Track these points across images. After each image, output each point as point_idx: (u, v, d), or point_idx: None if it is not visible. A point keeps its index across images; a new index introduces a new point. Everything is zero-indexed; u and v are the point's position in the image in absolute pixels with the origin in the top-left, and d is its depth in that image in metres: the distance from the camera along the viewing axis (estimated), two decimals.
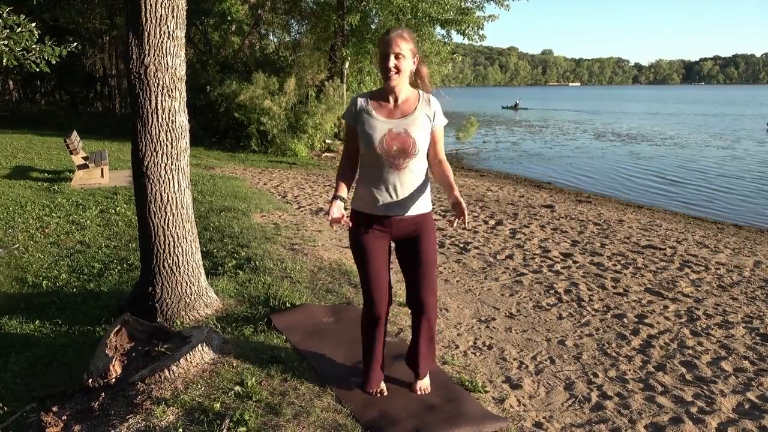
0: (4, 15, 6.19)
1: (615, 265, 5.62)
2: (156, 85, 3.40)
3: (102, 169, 9.14)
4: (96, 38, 23.51)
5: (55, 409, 2.62)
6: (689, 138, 25.58)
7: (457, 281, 4.97)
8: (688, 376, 3.30)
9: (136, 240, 5.35)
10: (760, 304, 4.58)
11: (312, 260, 5.07)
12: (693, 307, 4.45)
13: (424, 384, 2.86)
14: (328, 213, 2.50)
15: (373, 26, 16.23)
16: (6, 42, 6.21)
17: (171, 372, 2.80)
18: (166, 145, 3.50)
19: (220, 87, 15.23)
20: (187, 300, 3.69)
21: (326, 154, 16.30)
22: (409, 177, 2.55)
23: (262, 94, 14.89)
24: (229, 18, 19.58)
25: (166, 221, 3.57)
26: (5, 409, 2.73)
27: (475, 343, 3.68)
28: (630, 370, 3.35)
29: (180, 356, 2.84)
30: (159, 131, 3.46)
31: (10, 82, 26.48)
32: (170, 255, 3.62)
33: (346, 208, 2.56)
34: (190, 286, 3.71)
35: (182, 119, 3.58)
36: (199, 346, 2.93)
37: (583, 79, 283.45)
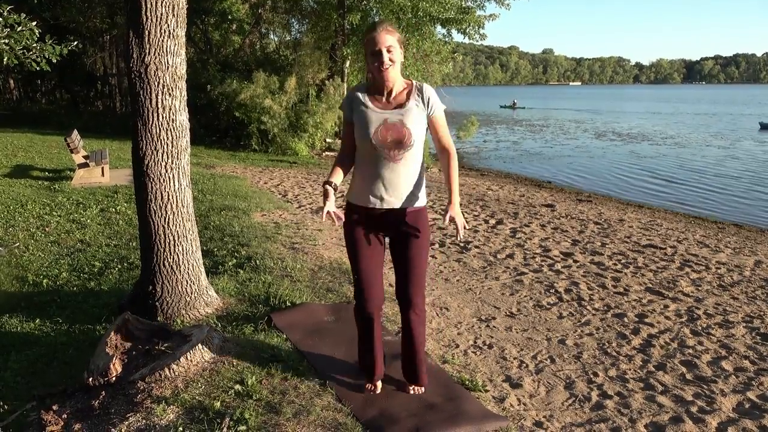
0: (5, 14, 6.20)
1: (615, 264, 5.62)
2: (156, 83, 3.40)
3: (102, 168, 9.14)
4: (96, 37, 23.50)
5: (55, 407, 2.62)
6: (690, 137, 25.58)
7: (458, 280, 4.97)
8: (689, 376, 3.30)
9: (136, 239, 5.35)
10: (761, 303, 4.57)
11: (312, 259, 5.08)
12: (693, 307, 4.45)
13: (418, 387, 2.85)
14: (322, 209, 2.52)
15: None
16: (7, 41, 6.22)
17: (171, 371, 2.80)
18: (167, 144, 3.50)
19: (221, 86, 15.22)
20: (188, 299, 3.69)
21: (327, 153, 16.30)
22: (405, 170, 2.54)
23: (263, 93, 14.89)
24: (229, 17, 19.59)
25: (167, 220, 3.57)
26: (5, 407, 2.73)
27: (475, 342, 3.68)
28: (630, 370, 3.35)
29: (180, 355, 2.85)
30: (159, 130, 3.46)
31: (11, 81, 26.49)
32: (170, 254, 3.62)
33: (340, 202, 2.58)
34: (190, 285, 3.71)
35: (183, 118, 3.58)
36: (200, 344, 2.93)
37: (583, 78, 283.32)
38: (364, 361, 2.85)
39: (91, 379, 2.76)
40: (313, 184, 10.47)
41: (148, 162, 3.48)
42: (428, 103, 2.55)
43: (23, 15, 6.38)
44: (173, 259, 3.63)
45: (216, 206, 7.27)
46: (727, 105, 60.53)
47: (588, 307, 4.38)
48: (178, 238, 3.63)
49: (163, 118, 3.46)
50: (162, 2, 3.33)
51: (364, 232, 2.62)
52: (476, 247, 6.13)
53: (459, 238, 2.54)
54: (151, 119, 3.43)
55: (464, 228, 2.53)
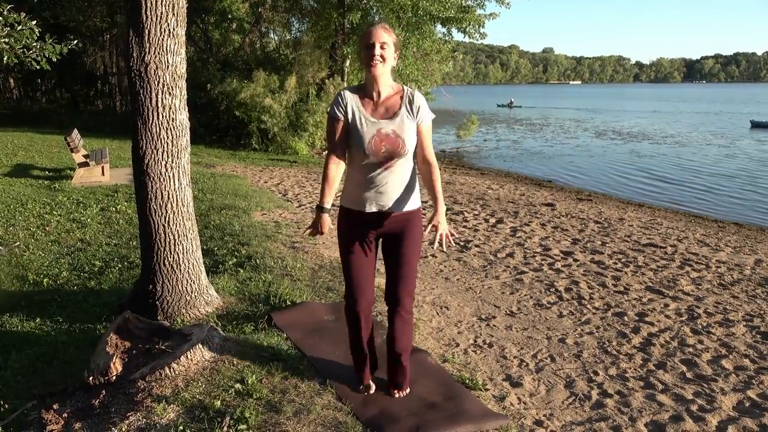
0: (5, 13, 6.20)
1: (616, 263, 5.62)
2: (156, 82, 3.40)
3: (103, 167, 9.15)
4: (96, 36, 23.50)
5: (55, 406, 2.62)
6: (690, 136, 25.57)
7: (458, 279, 4.97)
8: (689, 374, 3.30)
9: (136, 238, 5.35)
10: (761, 302, 4.57)
11: (312, 258, 5.08)
12: (693, 306, 4.45)
13: (400, 391, 2.81)
14: (313, 226, 2.62)
15: None
16: (7, 40, 6.22)
17: (171, 370, 2.80)
18: (167, 143, 3.50)
19: (221, 85, 15.22)
20: (188, 298, 3.70)
21: (327, 152, 16.29)
22: (398, 176, 2.54)
23: (263, 92, 14.89)
24: (229, 16, 19.55)
25: (167, 219, 3.58)
26: (6, 406, 2.74)
27: (475, 341, 3.68)
28: (630, 368, 3.35)
29: (180, 354, 2.85)
30: (159, 129, 3.46)
31: (11, 80, 26.47)
32: (171, 253, 3.62)
33: (334, 205, 2.62)
34: (190, 284, 3.71)
35: (183, 117, 3.58)
36: (200, 343, 2.93)
37: (584, 77, 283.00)
38: (354, 360, 2.85)
39: (91, 378, 2.76)
40: (313, 183, 10.47)
41: (148, 161, 3.48)
42: (418, 111, 2.53)
43: (23, 14, 6.38)
44: (173, 258, 3.63)
45: (216, 205, 7.27)
46: (726, 104, 60.48)
47: (588, 306, 4.38)
48: (179, 237, 3.63)
49: (163, 117, 3.46)
50: (162, 1, 3.33)
51: (358, 234, 2.62)
52: (476, 246, 6.13)
53: (435, 247, 2.52)
54: (151, 118, 3.43)
55: (447, 237, 2.51)
